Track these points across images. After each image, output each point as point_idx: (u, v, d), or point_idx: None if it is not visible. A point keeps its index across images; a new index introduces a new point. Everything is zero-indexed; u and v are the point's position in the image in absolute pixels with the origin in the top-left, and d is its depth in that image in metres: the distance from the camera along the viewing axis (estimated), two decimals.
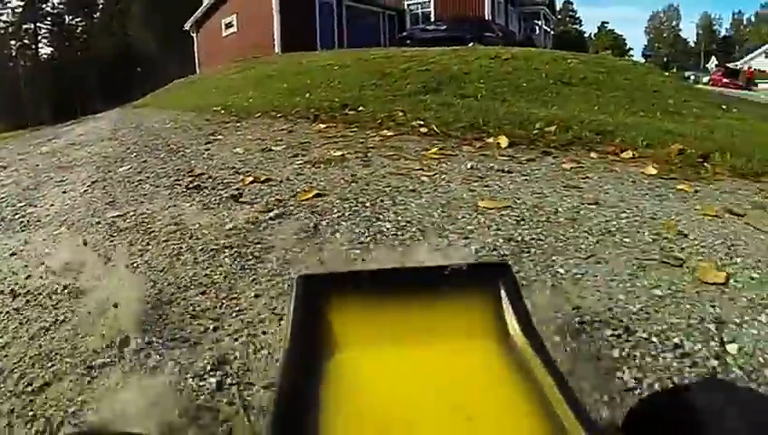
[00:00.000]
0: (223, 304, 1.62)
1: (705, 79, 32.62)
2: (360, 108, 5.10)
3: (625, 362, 1.29)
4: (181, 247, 2.06)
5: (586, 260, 1.72)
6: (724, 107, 8.97)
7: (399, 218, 2.12)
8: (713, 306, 1.48)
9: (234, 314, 1.57)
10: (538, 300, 1.52)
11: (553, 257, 1.74)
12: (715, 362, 1.31)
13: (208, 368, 1.35)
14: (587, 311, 1.46)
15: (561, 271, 1.66)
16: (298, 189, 2.61)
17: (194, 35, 24.69)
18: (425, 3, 25.25)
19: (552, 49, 25.33)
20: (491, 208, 2.15)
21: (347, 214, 2.21)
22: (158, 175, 3.42)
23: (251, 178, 2.93)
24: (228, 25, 22.24)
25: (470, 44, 16.53)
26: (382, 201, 2.31)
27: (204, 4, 23.82)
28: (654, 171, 3.04)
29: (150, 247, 2.10)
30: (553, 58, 9.12)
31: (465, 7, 23.72)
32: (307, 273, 0.87)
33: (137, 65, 36.23)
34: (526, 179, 2.64)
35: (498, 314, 0.78)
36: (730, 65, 36.60)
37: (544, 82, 7.48)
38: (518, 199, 2.29)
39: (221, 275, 1.80)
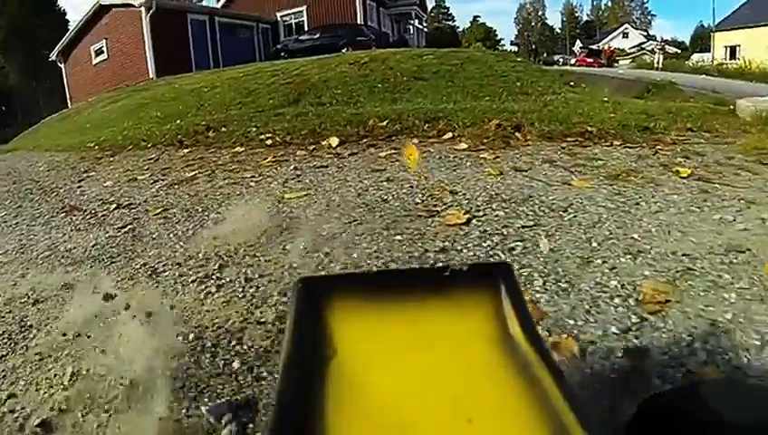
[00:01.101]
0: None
1: (573, 60, 36.00)
2: (223, 128, 5.46)
3: None
4: (54, 264, 2.48)
5: (348, 224, 2.30)
6: (572, 83, 9.84)
7: (220, 214, 2.67)
8: (442, 241, 2.08)
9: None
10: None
11: (323, 225, 2.30)
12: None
13: None
14: (357, 260, 2.01)
15: (324, 233, 2.22)
16: (150, 208, 3.05)
17: (61, 65, 23.24)
18: (298, 13, 25.52)
19: (426, 46, 26.40)
20: (293, 198, 2.70)
21: (183, 219, 2.71)
22: (34, 216, 3.71)
23: (115, 205, 3.32)
24: (98, 52, 21.32)
25: (344, 50, 17.22)
26: (212, 205, 2.82)
27: (70, 30, 22.64)
28: (465, 146, 3.72)
29: (30, 270, 2.49)
30: (410, 56, 9.76)
31: (337, 14, 24.36)
32: (307, 275, 0.90)
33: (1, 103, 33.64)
34: (339, 169, 3.21)
35: (499, 314, 0.77)
36: (592, 47, 40.28)
37: (398, 80, 8.09)
38: (321, 187, 2.85)
39: (86, 275, 2.26)
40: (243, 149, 4.35)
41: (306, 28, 24.33)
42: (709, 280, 1.73)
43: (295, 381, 0.63)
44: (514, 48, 48.64)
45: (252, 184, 3.09)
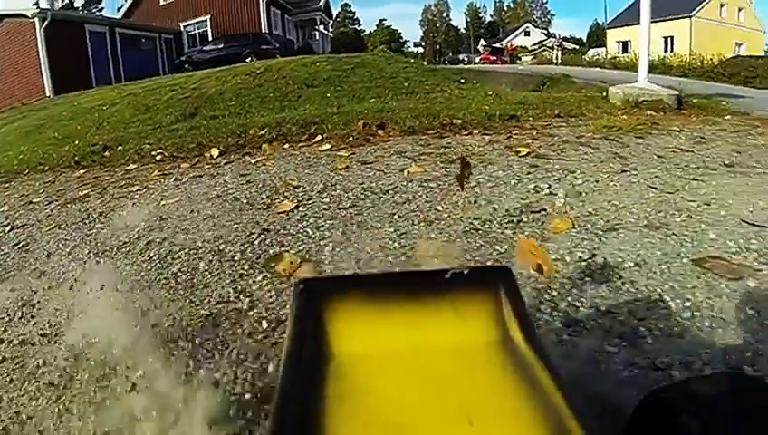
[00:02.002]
0: None
1: (478, 59, 37.55)
2: (119, 147, 5.70)
3: None
4: None
5: (204, 219, 2.80)
6: (462, 81, 10.48)
7: (104, 224, 3.08)
8: (268, 225, 2.61)
9: None
10: None
11: (183, 222, 2.81)
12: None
13: None
14: (197, 241, 2.51)
15: (183, 227, 2.71)
16: (43, 226, 3.39)
17: None
18: (201, 23, 25.28)
19: (331, 51, 26.72)
20: (168, 204, 3.16)
21: (71, 231, 3.10)
22: None
23: (9, 227, 3.61)
24: None
25: (248, 59, 17.44)
26: (99, 218, 3.21)
27: None
28: (328, 146, 4.25)
29: None
30: (303, 63, 10.19)
31: (241, 23, 24.36)
32: (308, 277, 0.91)
33: None
34: (212, 177, 3.68)
35: (498, 317, 0.78)
36: (496, 45, 42.30)
37: (290, 88, 8.51)
38: (192, 193, 3.33)
39: None
40: (135, 166, 4.68)
41: (210, 38, 24.19)
42: (491, 236, 2.32)
43: (295, 383, 0.64)
44: (419, 49, 50.08)
45: (136, 196, 3.49)
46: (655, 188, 3.00)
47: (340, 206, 2.79)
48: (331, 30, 36.40)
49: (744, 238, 2.34)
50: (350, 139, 4.43)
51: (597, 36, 41.84)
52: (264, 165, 3.82)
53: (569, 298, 1.84)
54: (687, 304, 1.83)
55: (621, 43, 37.37)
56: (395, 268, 2.09)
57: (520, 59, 35.42)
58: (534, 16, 53.00)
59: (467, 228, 2.40)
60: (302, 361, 0.69)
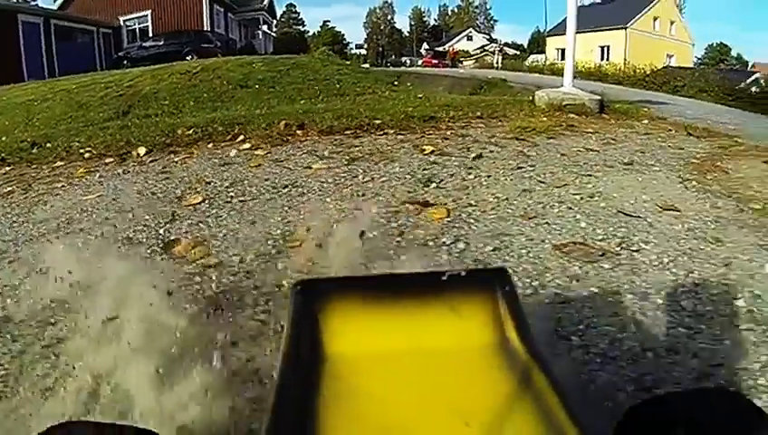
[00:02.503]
0: None
1: (420, 62, 38.39)
2: (48, 144, 5.71)
3: None
4: None
5: (119, 212, 3.07)
6: (396, 83, 10.90)
7: (26, 217, 3.27)
8: (175, 216, 2.92)
9: None
10: None
11: (103, 214, 3.09)
12: None
13: None
14: (106, 232, 2.80)
15: (99, 220, 2.98)
16: None
17: None
18: (142, 17, 24.83)
19: (273, 51, 26.70)
20: (89, 199, 3.41)
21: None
22: None
23: None
24: None
25: (188, 57, 17.39)
26: (22, 212, 3.39)
27: None
28: (248, 146, 4.53)
29: None
30: (239, 64, 10.38)
31: (183, 20, 24.13)
32: (305, 278, 0.91)
33: None
34: (136, 174, 3.92)
35: (496, 319, 0.80)
36: (438, 49, 43.44)
37: (224, 89, 8.70)
38: (115, 189, 3.58)
39: None
40: (62, 163, 4.78)
41: (151, 34, 23.84)
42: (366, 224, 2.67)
43: (293, 383, 0.65)
44: (362, 51, 50.43)
45: (60, 192, 3.68)
46: (544, 182, 3.35)
47: (242, 199, 3.12)
48: (274, 30, 36.37)
49: (613, 227, 2.68)
50: (270, 139, 4.71)
51: (538, 43, 43.55)
52: (186, 163, 4.09)
53: None
54: (535, 282, 2.13)
55: (560, 50, 38.88)
56: (272, 250, 2.44)
57: (462, 63, 36.54)
58: (478, 21, 54.33)
59: (335, 217, 2.76)
60: (298, 362, 0.70)
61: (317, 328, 0.78)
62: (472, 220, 2.75)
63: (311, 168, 3.70)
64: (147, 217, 2.94)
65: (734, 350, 1.77)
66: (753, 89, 29.21)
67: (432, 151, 4.07)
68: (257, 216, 2.87)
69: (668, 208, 2.97)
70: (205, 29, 23.96)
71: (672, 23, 40.90)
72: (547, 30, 41.41)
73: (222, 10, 27.07)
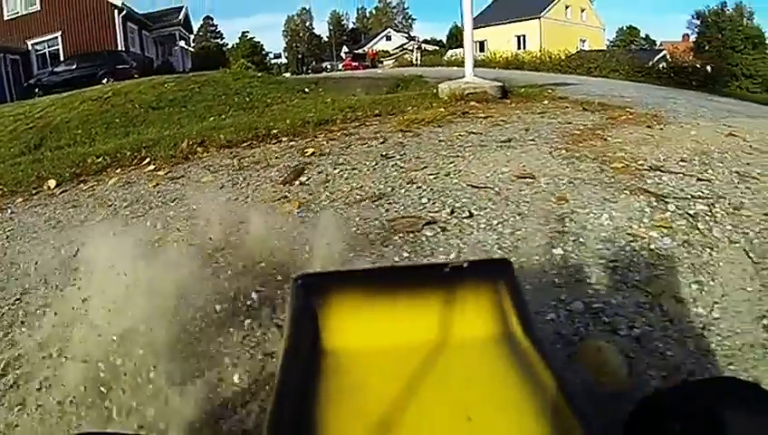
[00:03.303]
0: None
1: (341, 66, 38.72)
2: None
3: None
4: None
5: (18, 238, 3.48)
6: (307, 90, 11.13)
7: None
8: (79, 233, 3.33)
9: None
10: None
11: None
12: None
13: None
14: None
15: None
16: None
17: None
18: (51, 40, 24.05)
19: (192, 68, 26.32)
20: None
21: None
22: None
23: None
24: None
25: (104, 80, 17.21)
26: None
27: None
28: (152, 167, 4.85)
29: None
30: (151, 85, 10.53)
31: (96, 41, 23.53)
32: (305, 272, 0.92)
33: None
34: (44, 206, 4.24)
35: (498, 311, 0.81)
36: (357, 51, 43.80)
37: (136, 112, 8.87)
38: (25, 222, 3.90)
39: None
40: None
41: (62, 57, 23.14)
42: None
43: (294, 377, 0.67)
44: (282, 60, 50.01)
45: None
46: (404, 167, 3.72)
47: (133, 215, 3.55)
48: (192, 45, 35.83)
49: (454, 199, 2.96)
50: (173, 158, 5.02)
51: (456, 38, 44.67)
52: (93, 190, 4.45)
53: None
54: (354, 253, 2.41)
55: (478, 43, 40.57)
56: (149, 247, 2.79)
57: (382, 63, 37.34)
58: (396, 21, 54.75)
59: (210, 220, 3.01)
60: (299, 357, 0.71)
61: (318, 322, 0.79)
62: (319, 209, 3.12)
63: (201, 181, 4.13)
64: (51, 240, 3.30)
65: (534, 294, 2.02)
66: (662, 65, 31.63)
67: (312, 153, 4.46)
68: (136, 226, 3.28)
69: (524, 177, 3.33)
70: (119, 49, 23.58)
71: (583, 10, 43.16)
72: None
73: (136, 28, 26.58)
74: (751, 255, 2.40)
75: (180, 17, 30.43)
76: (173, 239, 2.92)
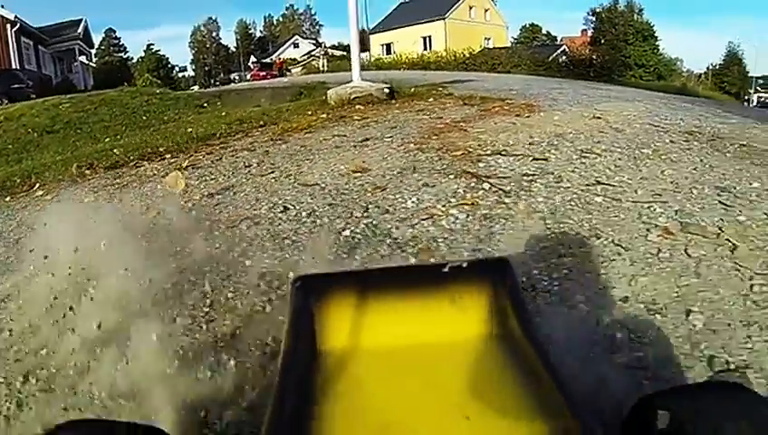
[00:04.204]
0: None
1: (249, 76, 39.13)
2: None
3: None
4: None
5: None
6: (205, 105, 11.27)
7: None
8: None
9: None
10: None
11: None
12: None
13: None
14: None
15: None
16: None
17: None
18: None
19: (94, 85, 25.45)
20: None
21: None
22: None
23: None
24: None
25: None
26: None
27: None
28: (41, 193, 5.12)
29: None
30: (45, 108, 10.49)
31: None
32: (305, 273, 0.95)
33: None
34: None
35: (497, 310, 0.84)
36: (265, 60, 44.00)
37: (30, 137, 8.90)
38: None
39: None
40: None
41: None
42: None
43: (293, 378, 0.69)
44: (189, 73, 48.85)
45: None
46: (253, 173, 4.18)
47: (15, 238, 3.84)
48: (94, 60, 34.70)
49: (278, 197, 3.41)
50: (62, 182, 5.27)
51: (363, 42, 45.62)
52: None
53: None
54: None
55: (385, 46, 41.92)
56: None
57: (290, 71, 37.80)
58: (304, 28, 55.33)
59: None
60: (299, 358, 0.74)
61: (317, 323, 0.81)
62: (174, 212, 3.44)
63: (83, 202, 4.47)
64: None
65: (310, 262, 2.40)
66: (562, 59, 33.91)
67: (187, 166, 4.87)
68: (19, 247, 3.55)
69: (358, 171, 3.72)
70: (13, 67, 22.59)
71: (486, 10, 45.27)
72: (370, 28, 43.96)
73: (31, 43, 25.68)
74: (548, 221, 2.74)
75: (79, 30, 29.48)
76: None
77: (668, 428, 0.84)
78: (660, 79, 36.40)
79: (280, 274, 2.36)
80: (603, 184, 3.26)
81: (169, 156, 5.71)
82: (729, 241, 2.53)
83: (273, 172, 4.23)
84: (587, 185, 3.24)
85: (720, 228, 2.63)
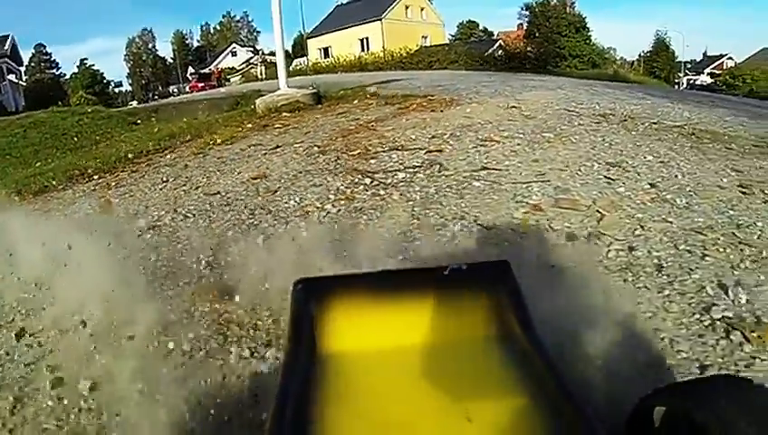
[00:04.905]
0: None
1: (187, 88, 38.29)
2: None
3: None
4: None
5: None
6: (138, 121, 11.30)
7: None
8: None
9: None
10: None
11: None
12: None
13: None
14: None
15: None
16: None
17: None
18: None
19: (25, 105, 24.42)
20: None
21: None
22: None
23: None
24: None
25: None
26: None
27: None
28: None
29: None
30: None
31: None
32: (306, 276, 0.96)
33: None
34: None
35: (498, 312, 0.85)
36: (203, 71, 43.17)
37: None
38: None
39: None
40: None
41: None
42: None
43: (295, 381, 0.71)
44: (126, 87, 47.47)
45: None
46: (166, 187, 4.50)
47: None
48: (24, 79, 33.34)
49: (182, 206, 3.71)
50: None
51: (301, 46, 45.64)
52: None
53: None
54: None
55: (323, 50, 42.21)
56: None
57: (228, 81, 37.65)
58: (241, 35, 54.68)
59: None
60: (301, 361, 0.76)
61: (318, 326, 0.83)
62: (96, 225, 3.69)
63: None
64: None
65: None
66: (499, 53, 34.93)
67: (112, 186, 5.12)
68: None
69: (257, 178, 4.07)
70: None
71: (422, 9, 45.98)
72: (307, 32, 44.10)
73: None
74: (416, 209, 2.96)
75: (6, 47, 28.39)
76: None
77: (673, 425, 0.86)
78: (595, 67, 37.86)
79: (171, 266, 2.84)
80: (489, 169, 3.54)
81: (97, 177, 5.88)
82: (599, 212, 2.78)
83: (185, 185, 4.56)
84: (472, 171, 3.50)
85: (594, 201, 2.88)
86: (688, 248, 2.44)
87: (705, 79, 44.69)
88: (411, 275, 1.08)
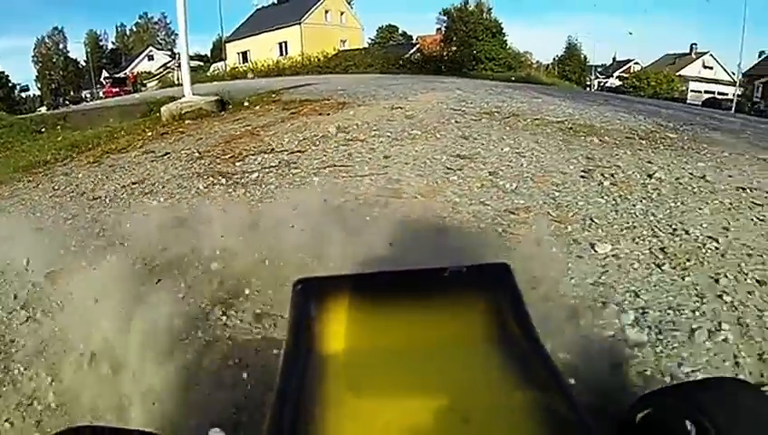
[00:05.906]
0: None
1: (101, 93, 36.76)
2: None
3: None
4: None
5: None
6: (43, 130, 11.00)
7: None
8: None
9: None
10: None
11: None
12: None
13: None
14: None
15: None
16: None
17: None
18: None
19: None
20: None
21: None
22: None
23: None
24: None
25: None
26: None
27: None
28: None
29: None
30: None
31: None
32: (306, 276, 0.96)
33: None
34: None
35: (497, 314, 0.85)
36: (118, 75, 41.39)
37: None
38: None
39: None
40: None
41: None
42: None
43: (293, 383, 0.70)
44: (34, 92, 44.87)
45: None
46: (57, 195, 4.80)
47: None
48: None
49: (66, 210, 4.12)
50: None
51: (220, 50, 45.00)
52: None
53: None
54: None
55: (241, 54, 41.98)
56: None
57: (145, 86, 36.52)
58: (159, 38, 52.24)
59: None
60: (300, 361, 0.76)
61: (318, 326, 0.85)
62: None
63: None
64: None
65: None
66: (417, 56, 35.79)
67: (9, 195, 5.34)
68: None
69: (136, 183, 4.45)
70: None
71: (342, 13, 46.28)
72: (226, 36, 43.63)
73: None
74: (252, 202, 3.43)
75: None
76: None
77: (669, 426, 0.86)
78: (510, 70, 39.39)
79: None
80: (337, 166, 3.99)
81: None
82: (417, 197, 3.13)
83: (73, 192, 4.93)
84: (319, 169, 3.95)
85: (420, 191, 3.19)
86: (494, 226, 2.83)
87: (614, 81, 47.28)
88: (411, 276, 1.08)
